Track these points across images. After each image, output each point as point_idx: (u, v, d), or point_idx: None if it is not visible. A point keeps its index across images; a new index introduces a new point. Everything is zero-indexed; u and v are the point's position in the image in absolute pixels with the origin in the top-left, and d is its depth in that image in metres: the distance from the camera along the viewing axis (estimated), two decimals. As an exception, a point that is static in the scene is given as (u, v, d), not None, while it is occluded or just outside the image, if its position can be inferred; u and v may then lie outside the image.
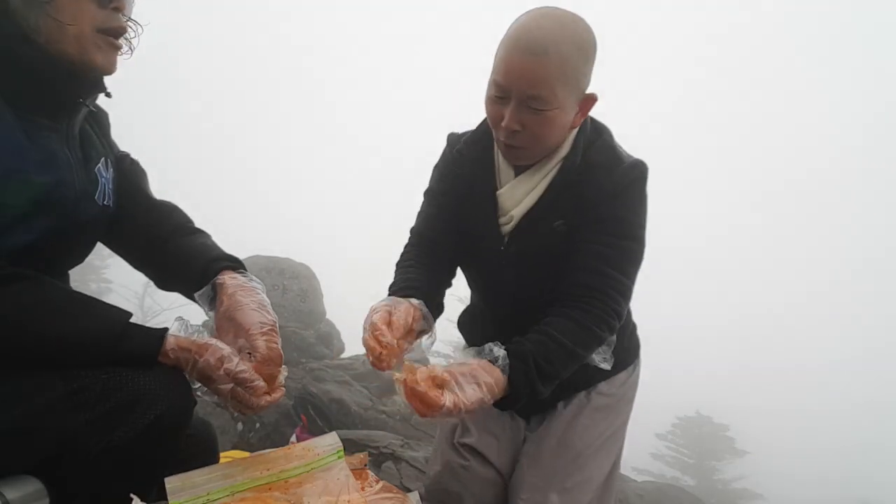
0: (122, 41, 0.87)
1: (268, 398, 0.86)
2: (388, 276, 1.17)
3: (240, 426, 3.52)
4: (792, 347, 39.88)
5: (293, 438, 3.05)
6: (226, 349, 0.83)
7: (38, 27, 0.78)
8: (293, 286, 6.17)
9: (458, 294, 1.32)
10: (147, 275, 1.07)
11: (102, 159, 0.96)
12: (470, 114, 1.21)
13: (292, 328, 5.53)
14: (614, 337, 1.05)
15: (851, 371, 36.08)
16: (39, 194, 0.80)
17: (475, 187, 1.15)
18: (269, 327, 0.90)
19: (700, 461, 17.62)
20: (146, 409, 0.76)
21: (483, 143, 1.15)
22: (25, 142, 0.79)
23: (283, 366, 0.91)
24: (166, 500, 0.77)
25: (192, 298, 0.99)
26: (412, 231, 1.22)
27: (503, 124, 0.99)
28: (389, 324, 0.93)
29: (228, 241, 1.12)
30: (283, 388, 0.90)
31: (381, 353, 0.89)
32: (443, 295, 1.16)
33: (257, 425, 3.57)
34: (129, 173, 1.08)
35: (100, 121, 1.02)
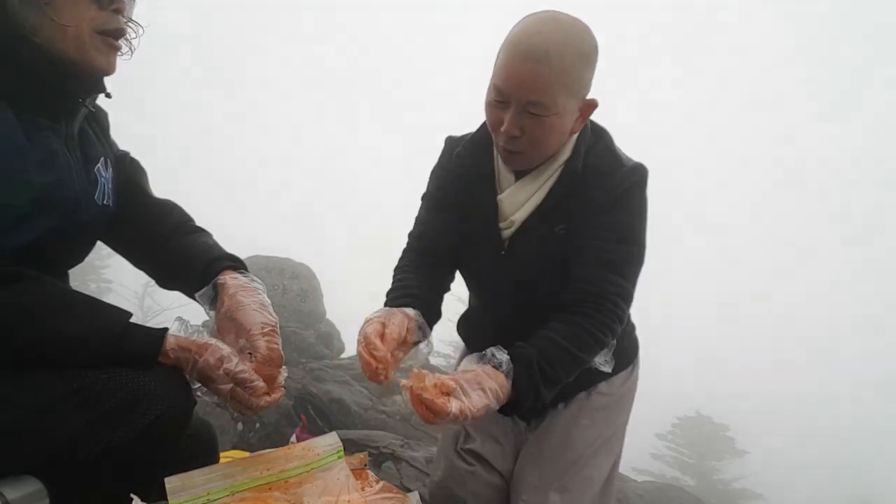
0: (121, 42, 0.87)
1: (267, 399, 0.86)
2: (388, 276, 1.17)
3: (240, 426, 3.52)
4: (792, 347, 39.88)
5: (293, 438, 3.05)
6: (225, 349, 0.83)
7: (37, 28, 0.78)
8: (293, 286, 6.17)
9: (458, 294, 1.32)
10: (148, 273, 1.07)
11: (102, 159, 0.96)
12: (470, 111, 1.21)
13: (292, 328, 5.54)
14: (615, 340, 1.06)
15: (852, 371, 36.08)
16: (40, 194, 0.80)
17: (475, 191, 1.15)
18: (271, 328, 0.90)
19: (700, 461, 17.63)
20: (146, 409, 0.76)
21: (483, 147, 1.14)
22: (25, 142, 0.79)
23: (284, 366, 0.91)
24: (166, 500, 0.77)
25: (193, 297, 0.99)
26: (410, 235, 1.22)
27: (502, 129, 0.99)
28: (383, 336, 0.92)
29: (228, 240, 1.12)
30: (282, 389, 0.90)
31: (376, 367, 0.89)
32: (441, 300, 1.16)
33: (257, 425, 3.57)
34: (129, 172, 1.08)
35: (99, 120, 1.02)
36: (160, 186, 1.14)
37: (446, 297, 1.19)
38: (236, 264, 1.00)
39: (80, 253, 0.96)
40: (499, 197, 1.12)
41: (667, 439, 18.59)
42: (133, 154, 1.12)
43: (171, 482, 0.78)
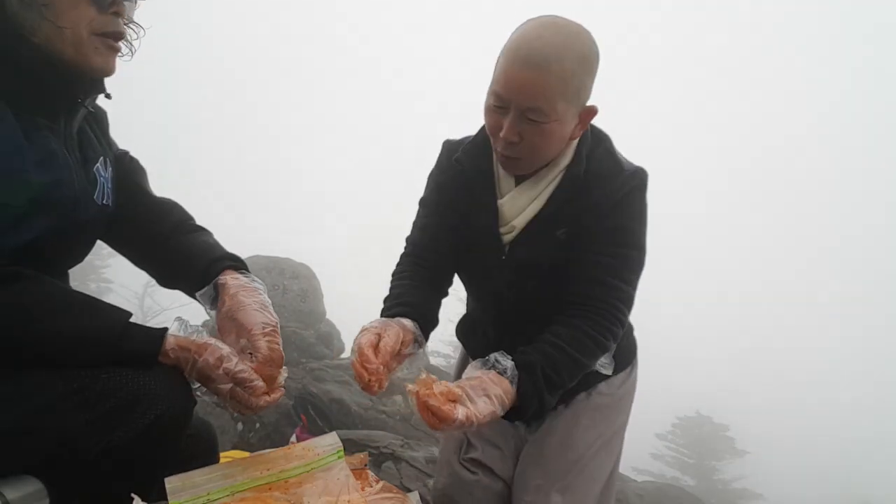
0: (121, 44, 0.87)
1: (267, 398, 0.86)
2: (388, 276, 1.16)
3: (240, 426, 3.52)
4: (792, 347, 39.89)
5: (293, 438, 3.06)
6: (225, 349, 0.83)
7: (36, 28, 0.78)
8: (293, 286, 6.17)
9: (458, 294, 1.31)
10: (148, 272, 1.07)
11: (101, 158, 0.96)
12: (469, 107, 1.20)
13: (292, 328, 5.54)
14: (616, 343, 1.06)
15: (851, 371, 36.10)
16: (38, 194, 0.80)
17: (475, 196, 1.14)
18: (272, 328, 0.90)
19: (700, 461, 17.64)
20: (146, 409, 0.76)
21: (482, 151, 1.14)
22: (24, 142, 0.79)
23: (284, 367, 0.91)
24: (166, 500, 0.77)
25: (194, 297, 0.99)
26: (408, 240, 1.21)
27: (501, 135, 0.99)
28: (377, 348, 0.92)
29: (228, 240, 1.12)
30: (282, 389, 0.90)
31: (368, 379, 0.89)
32: (438, 307, 1.15)
33: (257, 425, 3.57)
34: (129, 171, 1.08)
35: (98, 120, 1.02)
36: (160, 186, 1.14)
37: (448, 291, 1.19)
38: (237, 264, 1.00)
39: (79, 253, 0.96)
40: (499, 201, 1.11)
41: (667, 439, 18.60)
42: (132, 153, 1.12)
43: (171, 482, 0.78)
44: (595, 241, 1.03)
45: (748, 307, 48.94)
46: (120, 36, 0.86)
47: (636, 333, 1.30)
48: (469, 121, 1.21)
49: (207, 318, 0.98)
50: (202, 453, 1.01)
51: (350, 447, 2.59)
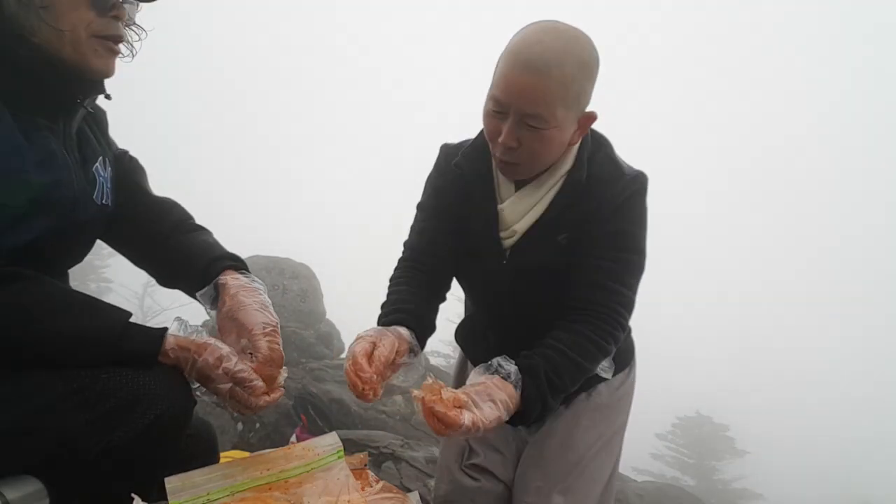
0: (122, 46, 0.87)
1: (266, 398, 0.85)
2: (388, 276, 1.16)
3: (240, 426, 3.52)
4: (792, 347, 39.89)
5: (293, 438, 3.06)
6: (224, 349, 0.83)
7: (35, 29, 0.78)
8: (293, 286, 6.17)
9: (458, 293, 1.31)
10: (148, 272, 1.07)
11: (100, 158, 0.96)
12: (469, 117, 1.20)
13: (292, 328, 5.54)
14: (616, 347, 1.06)
15: (851, 371, 36.09)
16: (38, 194, 0.80)
17: (474, 201, 1.14)
18: (272, 328, 0.90)
19: (700, 461, 17.64)
20: (146, 409, 0.76)
21: (482, 156, 1.13)
22: (23, 142, 0.79)
23: (284, 367, 0.91)
24: (166, 500, 0.77)
25: (194, 296, 0.99)
26: (405, 245, 1.20)
27: (500, 140, 0.98)
28: (371, 356, 0.92)
29: (229, 240, 1.12)
30: (282, 389, 0.90)
31: (361, 388, 0.89)
32: (436, 313, 1.14)
33: (257, 425, 3.58)
34: (128, 170, 1.08)
35: (98, 120, 1.02)
36: (160, 186, 1.14)
37: (446, 295, 1.18)
38: (237, 264, 1.00)
39: (79, 253, 0.96)
40: (499, 206, 1.11)
41: (667, 439, 18.61)
42: (132, 154, 1.12)
43: (171, 482, 0.78)
44: (596, 245, 1.03)
45: (748, 307, 48.97)
46: (119, 39, 0.86)
47: (635, 334, 1.30)
48: (468, 131, 1.20)
49: (207, 318, 0.98)
50: (202, 453, 1.01)
51: (350, 447, 2.59)
